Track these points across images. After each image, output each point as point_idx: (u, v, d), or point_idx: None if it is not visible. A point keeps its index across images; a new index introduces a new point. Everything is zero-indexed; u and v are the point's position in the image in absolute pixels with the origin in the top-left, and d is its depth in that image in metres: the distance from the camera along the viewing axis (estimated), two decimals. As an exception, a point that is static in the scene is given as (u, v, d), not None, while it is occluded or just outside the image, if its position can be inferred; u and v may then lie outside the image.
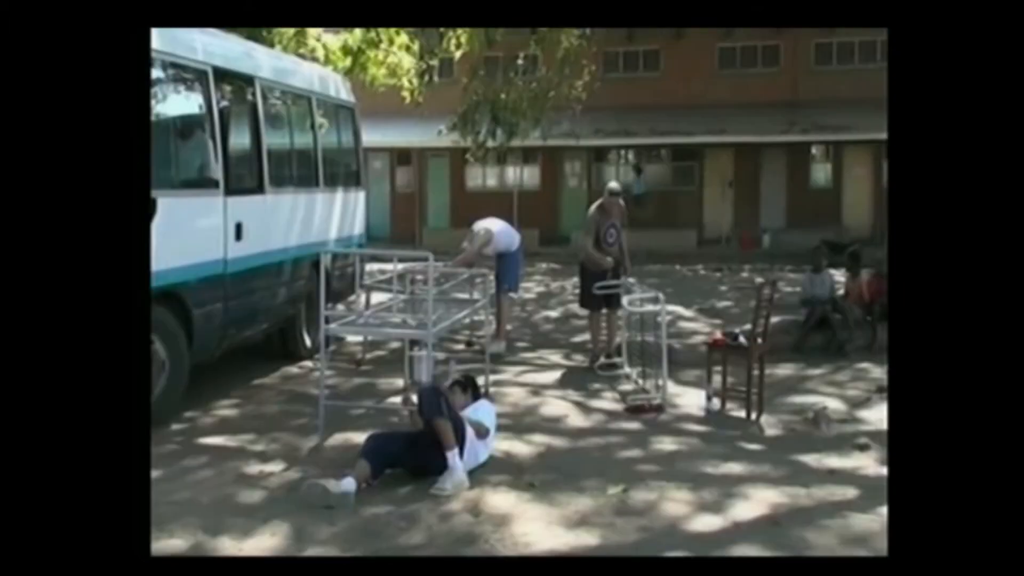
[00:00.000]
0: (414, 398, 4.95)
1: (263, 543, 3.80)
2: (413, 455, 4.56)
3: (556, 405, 6.26)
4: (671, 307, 8.22)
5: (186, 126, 5.83)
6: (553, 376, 7.20)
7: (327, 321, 5.36)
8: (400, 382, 6.54)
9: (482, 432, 4.82)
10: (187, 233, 5.70)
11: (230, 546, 3.77)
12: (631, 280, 7.16)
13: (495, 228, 8.11)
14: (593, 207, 7.67)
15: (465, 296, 7.29)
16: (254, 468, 4.81)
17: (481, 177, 21.80)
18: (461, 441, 4.60)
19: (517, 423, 5.76)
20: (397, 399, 5.32)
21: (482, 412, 5.03)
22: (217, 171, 6.00)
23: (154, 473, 4.66)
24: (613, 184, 7.95)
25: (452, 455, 4.46)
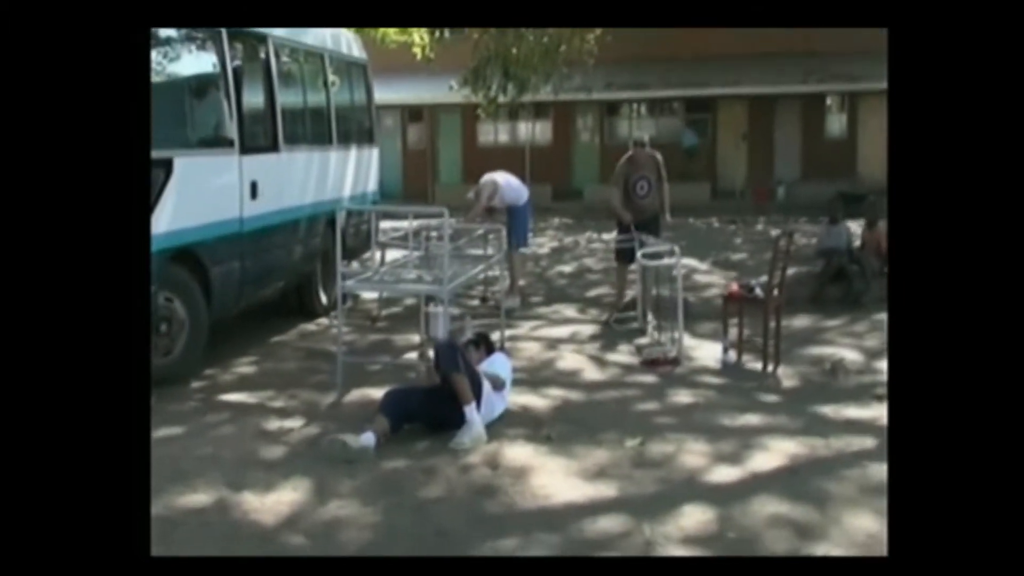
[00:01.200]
0: (430, 353, 4.95)
1: (285, 497, 3.82)
2: (431, 410, 4.57)
3: (572, 359, 6.27)
4: (686, 260, 8.15)
5: (201, 86, 5.80)
6: (568, 330, 7.19)
7: (343, 278, 5.36)
8: (416, 338, 6.56)
9: (498, 384, 4.83)
10: (203, 193, 5.68)
11: (252, 500, 3.80)
12: (647, 236, 7.10)
13: (501, 180, 8.07)
14: (622, 159, 7.61)
15: (479, 252, 7.29)
16: (274, 424, 4.82)
17: (493, 133, 21.63)
18: (478, 395, 4.60)
19: (533, 377, 5.78)
20: (414, 355, 5.31)
21: (497, 364, 5.04)
22: (232, 130, 5.97)
23: (177, 430, 4.71)
24: (641, 135, 7.89)
25: (470, 409, 4.47)
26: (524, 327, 7.30)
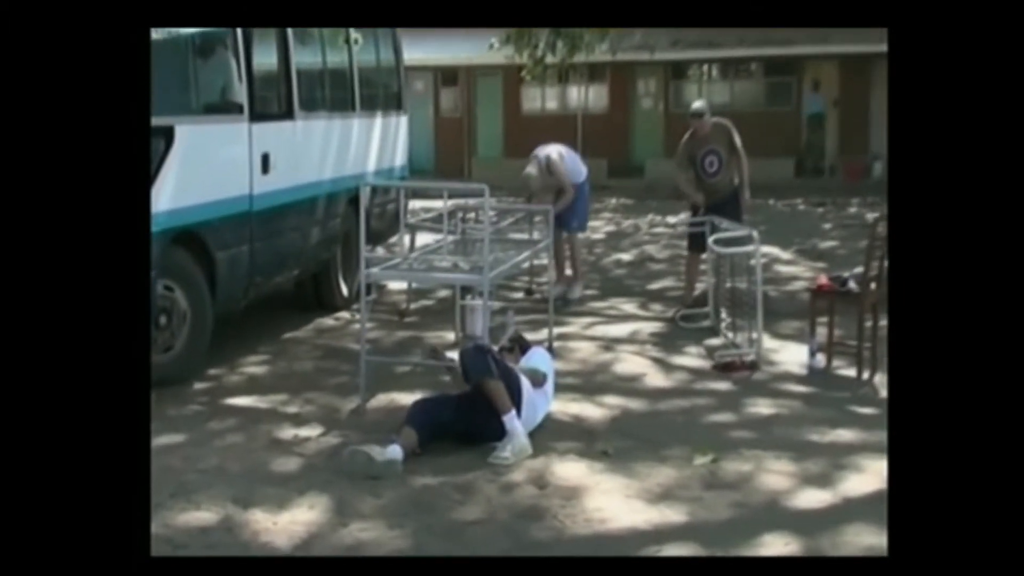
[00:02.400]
0: (452, 355, 4.97)
1: (300, 516, 3.85)
2: (466, 421, 4.60)
3: (632, 362, 6.29)
4: (766, 248, 8.14)
5: (205, 43, 5.83)
6: (627, 329, 7.21)
7: (367, 265, 5.38)
8: (451, 336, 6.63)
9: (538, 379, 4.86)
10: (208, 166, 5.73)
11: (263, 519, 3.83)
12: (723, 219, 7.06)
13: (566, 154, 8.08)
14: (684, 137, 7.62)
15: (523, 236, 7.32)
16: (288, 432, 4.87)
17: (539, 99, 21.66)
18: (517, 400, 4.63)
19: (587, 382, 5.78)
20: (450, 354, 5.31)
21: (535, 359, 5.08)
22: (241, 94, 6.01)
23: (178, 438, 4.77)
24: (697, 104, 7.84)
25: (510, 418, 4.50)
26: (576, 324, 7.31)
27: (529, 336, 5.80)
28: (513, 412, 4.53)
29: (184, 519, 3.82)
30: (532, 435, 4.63)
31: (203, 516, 3.87)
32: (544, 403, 4.92)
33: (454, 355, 5.11)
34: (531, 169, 7.92)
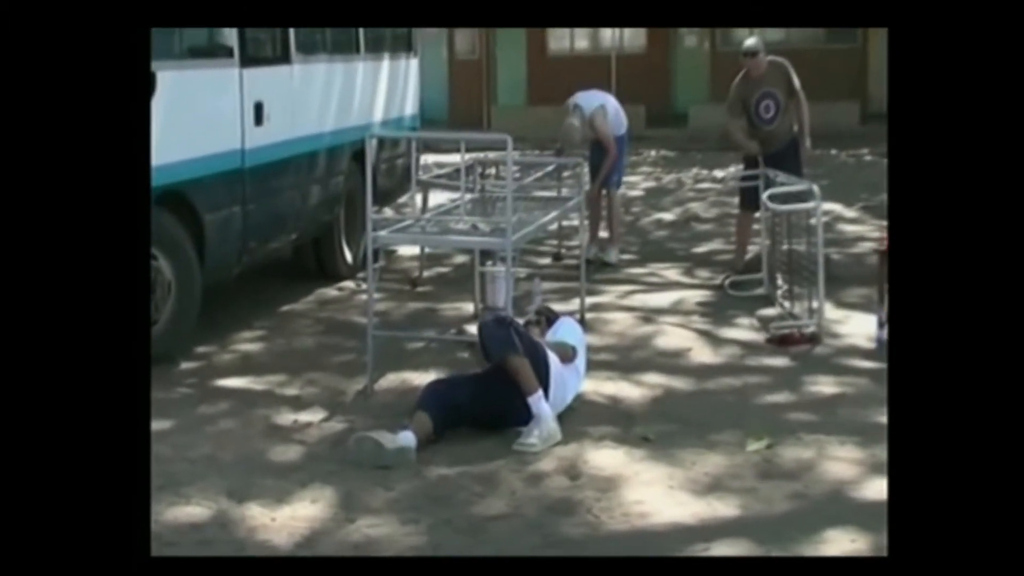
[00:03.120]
0: (467, 328, 5.00)
1: (301, 511, 3.87)
2: (487, 403, 4.62)
3: (675, 335, 6.32)
4: (827, 205, 8.07)
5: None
6: (670, 298, 7.24)
7: (374, 228, 5.38)
8: (469, 307, 6.64)
9: (567, 354, 4.88)
10: (195, 117, 5.74)
11: (260, 515, 3.86)
12: (780, 172, 7.05)
13: (611, 107, 8.12)
14: (736, 79, 7.61)
15: (551, 194, 7.34)
16: (287, 417, 4.90)
17: (567, 38, 21.51)
18: (545, 379, 4.63)
19: (624, 359, 5.81)
20: (469, 328, 5.42)
21: (563, 330, 5.09)
22: (230, 35, 6.00)
23: (165, 424, 4.77)
24: (749, 41, 7.80)
25: (536, 400, 4.51)
26: (611, 293, 7.36)
27: (558, 308, 5.81)
28: (540, 393, 4.54)
29: (173, 514, 3.85)
30: (562, 418, 4.66)
31: (194, 511, 3.89)
32: (575, 381, 4.93)
33: (472, 329, 5.14)
34: (574, 120, 7.95)
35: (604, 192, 8.24)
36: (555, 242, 8.57)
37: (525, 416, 4.50)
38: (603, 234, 8.47)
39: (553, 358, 4.76)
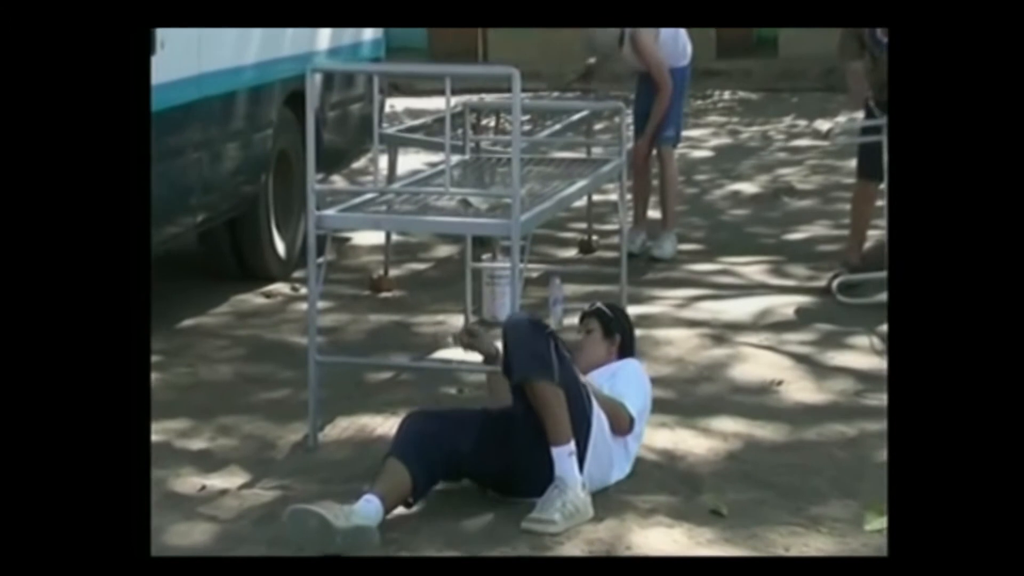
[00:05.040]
0: (489, 339, 5.04)
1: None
2: (490, 453, 4.62)
3: (759, 361, 6.30)
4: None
5: None
6: (751, 307, 7.26)
7: (318, 206, 5.35)
8: (457, 321, 6.53)
9: (623, 423, 4.84)
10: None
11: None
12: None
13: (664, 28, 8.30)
14: None
15: (576, 155, 7.46)
16: (191, 482, 4.92)
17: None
18: (584, 432, 4.61)
19: (685, 396, 5.77)
20: (452, 352, 5.50)
21: (624, 381, 5.00)
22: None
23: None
24: None
25: (562, 453, 4.52)
26: (666, 301, 7.40)
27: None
28: (572, 444, 4.51)
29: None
30: (596, 493, 4.65)
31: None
32: (624, 460, 4.89)
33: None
34: (609, 30, 8.13)
35: (655, 152, 8.26)
36: (583, 225, 8.59)
37: (546, 476, 4.50)
38: (653, 214, 8.47)
39: (600, 416, 4.70)
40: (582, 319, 5.21)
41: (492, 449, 4.64)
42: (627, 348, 5.24)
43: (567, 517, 4.42)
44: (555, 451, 4.48)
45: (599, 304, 5.34)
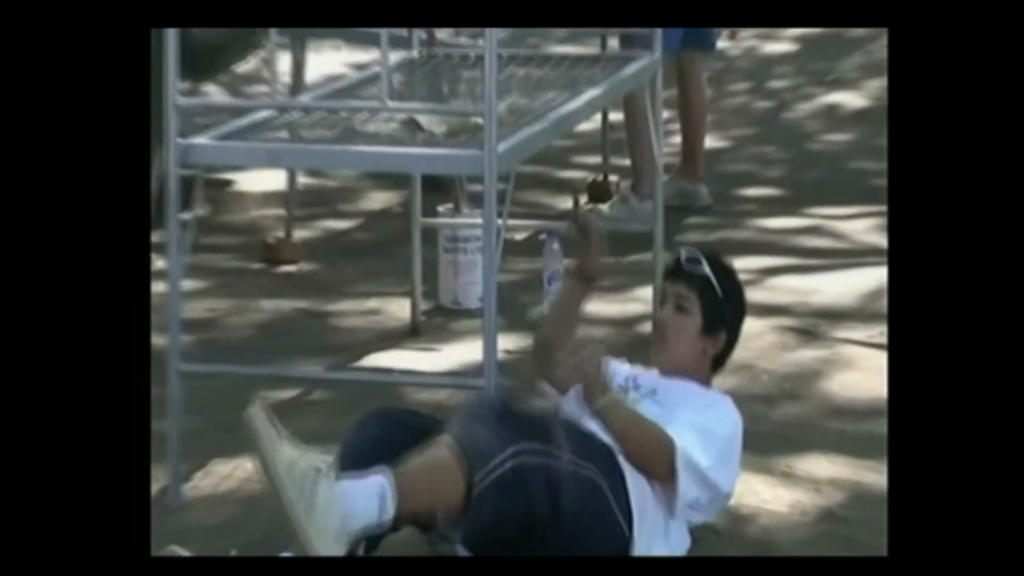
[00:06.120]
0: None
1: None
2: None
3: (869, 368, 6.06)
4: None
5: None
6: (857, 284, 7.15)
7: (183, 131, 5.11)
8: (403, 307, 6.57)
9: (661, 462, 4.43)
10: None
11: None
12: None
13: None
14: None
15: (584, 51, 7.79)
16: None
17: None
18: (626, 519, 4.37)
19: (757, 422, 5.41)
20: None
21: (706, 425, 4.50)
22: None
23: None
24: None
25: None
26: None
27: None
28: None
29: None
30: None
31: None
32: (681, 538, 4.58)
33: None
34: None
35: (685, 58, 8.19)
36: (596, 160, 8.60)
37: (615, 542, 4.27)
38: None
39: (643, 489, 4.36)
40: (673, 277, 4.53)
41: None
42: (725, 354, 4.74)
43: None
44: None
45: (700, 258, 4.57)
